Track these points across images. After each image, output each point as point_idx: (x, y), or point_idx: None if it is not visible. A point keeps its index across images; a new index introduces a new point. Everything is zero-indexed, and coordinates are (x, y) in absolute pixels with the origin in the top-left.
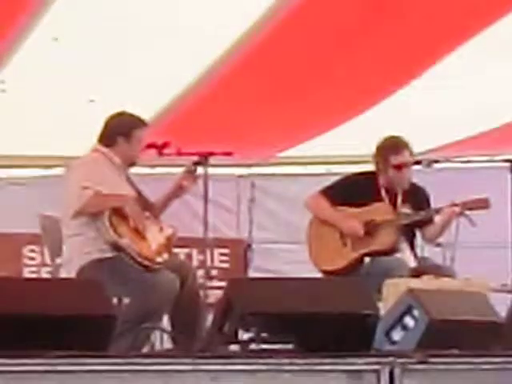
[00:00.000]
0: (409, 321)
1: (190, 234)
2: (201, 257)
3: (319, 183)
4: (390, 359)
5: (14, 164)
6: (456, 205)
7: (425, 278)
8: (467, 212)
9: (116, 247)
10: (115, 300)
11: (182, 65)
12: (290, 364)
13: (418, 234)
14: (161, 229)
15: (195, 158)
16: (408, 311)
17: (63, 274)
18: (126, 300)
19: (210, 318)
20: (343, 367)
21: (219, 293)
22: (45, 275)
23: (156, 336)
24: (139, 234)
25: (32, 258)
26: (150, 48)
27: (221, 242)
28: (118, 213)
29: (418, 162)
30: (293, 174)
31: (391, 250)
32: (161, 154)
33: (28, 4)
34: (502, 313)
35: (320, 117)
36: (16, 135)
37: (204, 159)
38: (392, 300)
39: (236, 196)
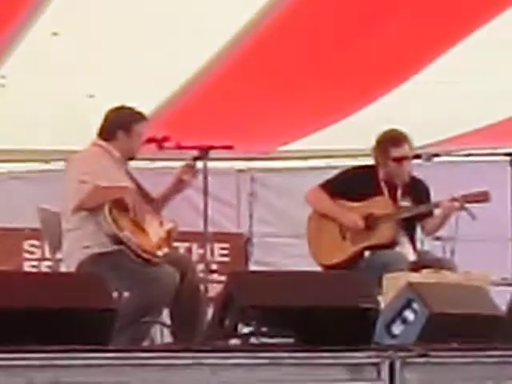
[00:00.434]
0: (409, 314)
1: (190, 228)
2: (201, 251)
3: (319, 177)
4: (390, 353)
5: (14, 158)
6: (456, 198)
7: (425, 271)
8: (467, 205)
9: (116, 240)
10: (115, 294)
11: (182, 59)
12: (290, 358)
13: (418, 228)
14: (161, 223)
15: (195, 152)
16: (408, 305)
17: (63, 269)
18: (126, 294)
19: (210, 311)
20: (343, 361)
21: (219, 287)
22: (45, 269)
23: (156, 330)
24: (140, 227)
25: (32, 253)
26: (149, 42)
27: (221, 236)
28: (119, 206)
29: (417, 156)
30: (293, 167)
31: (391, 244)
32: (161, 147)
33: None
34: (503, 306)
35: (320, 111)
36: (16, 129)
37: (204, 153)
38: (392, 294)
39: (236, 190)
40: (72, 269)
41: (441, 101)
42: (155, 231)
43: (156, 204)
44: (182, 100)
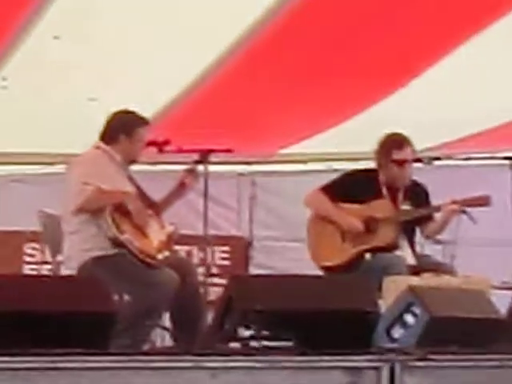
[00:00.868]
0: (409, 318)
1: (190, 232)
2: (201, 254)
3: (320, 180)
4: (391, 356)
5: (15, 161)
6: (456, 202)
7: (425, 275)
8: (468, 209)
9: (117, 243)
10: (116, 297)
11: (183, 63)
12: (290, 361)
13: (418, 231)
14: (162, 226)
15: (196, 156)
16: (408, 308)
17: (64, 272)
18: (127, 297)
19: (210, 315)
20: (343, 364)
21: (220, 290)
22: (45, 273)
23: (156, 333)
24: (140, 230)
25: (32, 256)
26: (150, 46)
27: (221, 240)
28: (120, 209)
29: (418, 160)
30: (293, 171)
31: (391, 247)
32: (161, 151)
33: (29, 2)
34: (503, 310)
35: (320, 114)
36: (17, 132)
37: (204, 156)
38: (392, 297)
39: (236, 193)
40: (72, 272)
41: (441, 104)
42: (156, 235)
43: (157, 208)
44: (182, 104)
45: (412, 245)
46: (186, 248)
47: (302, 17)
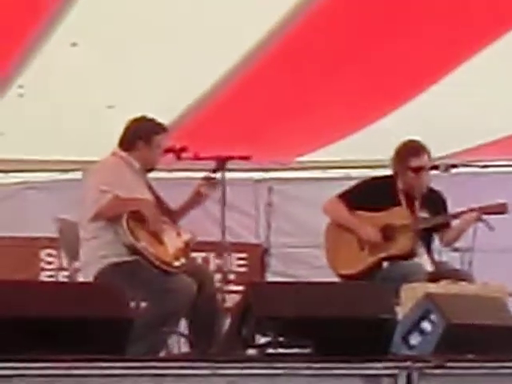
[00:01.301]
0: (426, 325)
1: (207, 238)
2: (218, 261)
3: (337, 187)
4: (408, 363)
5: (32, 168)
6: (474, 210)
7: (442, 282)
8: (485, 217)
9: (133, 250)
10: (133, 304)
11: (201, 69)
12: (307, 368)
13: (436, 239)
14: (178, 233)
15: (213, 163)
16: (425, 315)
17: (81, 278)
18: (144, 304)
19: (227, 322)
20: (361, 371)
21: (237, 297)
22: (62, 279)
23: (173, 340)
24: (157, 238)
25: (49, 263)
26: (168, 53)
27: (238, 247)
28: (136, 216)
29: (435, 167)
30: (311, 178)
31: (409, 255)
32: (179, 158)
33: (47, 9)
34: None
35: (338, 122)
36: (34, 140)
37: (222, 163)
38: (409, 304)
39: (254, 200)
40: (90, 278)
41: (458, 112)
42: (172, 242)
43: (174, 215)
44: (200, 111)
45: (429, 252)
46: (202, 255)
47: (318, 26)
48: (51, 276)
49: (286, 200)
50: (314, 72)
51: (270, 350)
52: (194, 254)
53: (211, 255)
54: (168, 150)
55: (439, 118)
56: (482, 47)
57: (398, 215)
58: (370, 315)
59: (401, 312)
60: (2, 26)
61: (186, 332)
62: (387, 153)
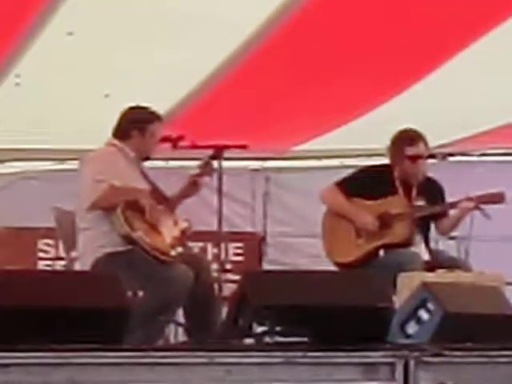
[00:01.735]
0: (423, 314)
1: (204, 228)
2: (215, 250)
3: (334, 176)
4: (405, 352)
5: (29, 157)
6: (471, 198)
7: (439, 271)
8: (482, 206)
9: (129, 241)
10: (130, 293)
11: (197, 59)
12: (304, 357)
13: (432, 227)
14: (175, 222)
15: (210, 152)
16: (422, 304)
17: (78, 268)
18: (141, 293)
19: (224, 311)
20: (358, 360)
21: (233, 286)
22: (59, 268)
23: (170, 329)
24: (153, 227)
25: (47, 252)
26: (164, 43)
27: (235, 236)
28: (132, 206)
29: (433, 156)
30: (307, 167)
31: (406, 243)
32: (175, 147)
33: None
34: None
35: (334, 110)
36: (30, 129)
37: (218, 152)
38: (406, 293)
39: (250, 189)
40: (86, 268)
41: (455, 100)
42: (169, 231)
43: (170, 203)
44: (196, 99)
45: (426, 241)
46: (199, 244)
47: (316, 14)
48: (48, 265)
49: (283, 189)
50: (310, 62)
51: (267, 339)
52: (190, 244)
53: (208, 244)
54: (164, 139)
55: (435, 107)
56: (478, 36)
57: (394, 204)
58: (367, 304)
59: (397, 301)
60: None
61: (183, 321)
62: (383, 142)
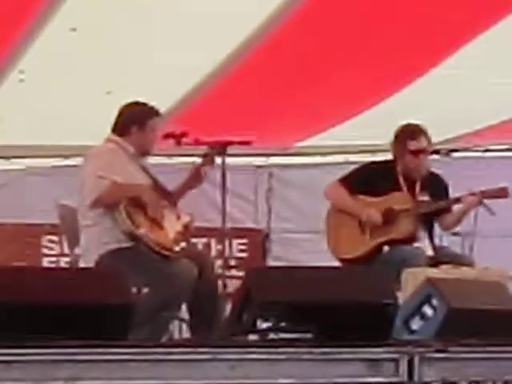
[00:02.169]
0: (427, 310)
1: (208, 224)
2: (219, 246)
3: (337, 172)
4: (409, 348)
5: (33, 154)
6: (474, 194)
7: (443, 267)
8: (486, 201)
9: (133, 237)
10: (134, 289)
11: (200, 55)
12: (309, 353)
13: (436, 223)
14: (178, 217)
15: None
16: (427, 300)
17: (82, 264)
18: (145, 289)
19: (228, 307)
20: (362, 356)
21: (237, 282)
22: (64, 265)
23: (175, 325)
24: (156, 222)
25: (51, 248)
26: (166, 39)
27: (239, 232)
28: (135, 202)
29: (436, 152)
30: (311, 163)
31: (410, 239)
32: (179, 143)
33: None
34: None
35: (338, 107)
36: (34, 125)
37: (222, 149)
38: (411, 289)
39: (254, 185)
40: (90, 264)
41: (458, 96)
42: (172, 226)
43: (172, 198)
44: (200, 96)
45: (430, 236)
46: (203, 240)
47: (318, 10)
48: (53, 262)
49: (286, 185)
50: (312, 58)
51: (271, 336)
52: (194, 240)
53: (212, 241)
54: (168, 136)
55: (438, 103)
56: (480, 31)
57: (398, 199)
58: (371, 300)
59: (402, 297)
60: (2, 12)
61: (187, 317)
62: (386, 137)
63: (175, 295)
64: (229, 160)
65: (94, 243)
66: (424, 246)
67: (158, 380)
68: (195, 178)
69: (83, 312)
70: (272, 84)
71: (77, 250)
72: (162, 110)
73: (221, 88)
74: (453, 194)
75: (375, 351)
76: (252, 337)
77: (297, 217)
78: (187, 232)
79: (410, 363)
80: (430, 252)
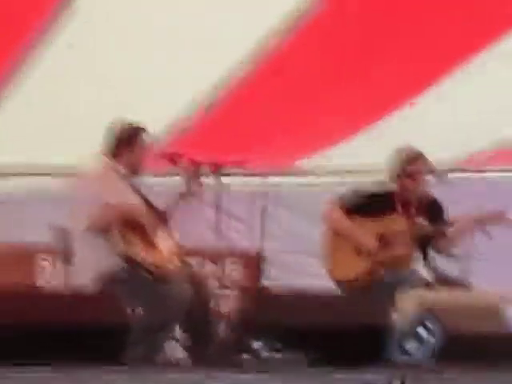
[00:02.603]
0: (422, 332)
1: (202, 244)
2: (213, 266)
3: (333, 193)
4: (403, 370)
5: (29, 173)
6: (471, 219)
7: (439, 289)
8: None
9: (127, 258)
10: (128, 310)
11: (197, 73)
12: (303, 375)
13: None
14: (170, 235)
15: (208, 168)
16: (422, 323)
17: (76, 285)
18: (139, 310)
19: (222, 327)
20: (355, 377)
21: (231, 303)
22: (58, 285)
23: (168, 345)
24: (150, 242)
25: (45, 268)
26: (164, 58)
27: (233, 252)
28: (128, 223)
29: (432, 173)
30: (306, 184)
31: (405, 262)
32: (174, 164)
33: (43, 10)
34: None
35: (334, 128)
36: (31, 144)
37: (217, 169)
38: (406, 311)
39: (249, 206)
40: (85, 285)
41: (456, 118)
42: (166, 245)
43: (164, 216)
44: (195, 116)
45: (426, 259)
46: (197, 260)
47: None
48: (47, 282)
49: (281, 206)
50: (309, 79)
51: (266, 356)
52: (188, 259)
53: (206, 261)
54: (163, 156)
55: (437, 123)
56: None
57: (394, 222)
58: (366, 322)
59: (397, 319)
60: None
61: (181, 337)
62: (383, 159)
63: (169, 316)
64: (223, 180)
65: (89, 265)
66: (419, 268)
67: None
68: (185, 196)
69: (78, 332)
70: (267, 105)
71: (71, 271)
72: (158, 130)
73: (216, 108)
74: (450, 216)
75: (369, 373)
76: (246, 357)
77: (291, 238)
78: (181, 251)
79: None
80: (425, 274)
